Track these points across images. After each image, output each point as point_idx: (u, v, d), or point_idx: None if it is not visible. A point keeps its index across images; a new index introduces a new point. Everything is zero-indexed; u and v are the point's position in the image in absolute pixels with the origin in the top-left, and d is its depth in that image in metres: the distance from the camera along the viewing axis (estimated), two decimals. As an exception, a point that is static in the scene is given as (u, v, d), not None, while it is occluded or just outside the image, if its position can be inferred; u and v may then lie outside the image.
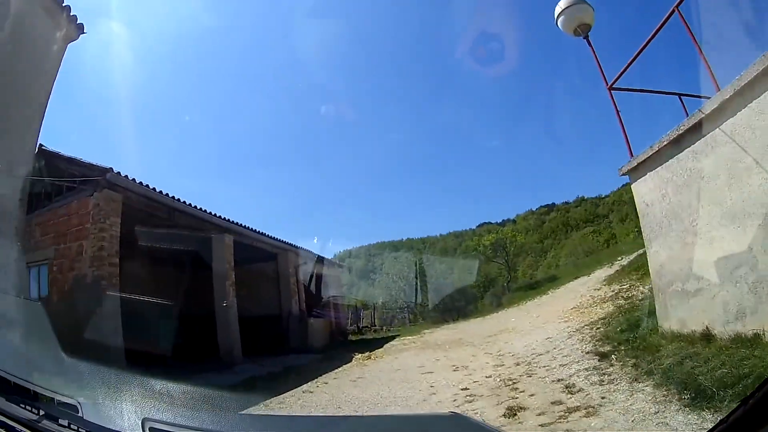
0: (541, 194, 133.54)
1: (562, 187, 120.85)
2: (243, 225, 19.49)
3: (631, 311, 12.87)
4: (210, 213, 17.44)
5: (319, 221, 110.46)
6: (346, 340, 28.62)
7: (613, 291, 18.86)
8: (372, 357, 16.96)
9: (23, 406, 2.51)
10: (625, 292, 17.42)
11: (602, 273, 26.98)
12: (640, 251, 25.69)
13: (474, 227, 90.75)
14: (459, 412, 5.75)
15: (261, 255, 21.73)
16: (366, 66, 76.98)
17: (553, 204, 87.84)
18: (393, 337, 26.01)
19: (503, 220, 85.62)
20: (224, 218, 18.28)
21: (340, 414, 8.42)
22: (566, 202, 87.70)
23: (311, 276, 26.58)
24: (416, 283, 45.95)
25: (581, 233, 66.96)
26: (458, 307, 39.07)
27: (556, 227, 79.12)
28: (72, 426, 2.40)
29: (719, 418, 1.65)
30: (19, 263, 11.09)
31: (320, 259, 27.60)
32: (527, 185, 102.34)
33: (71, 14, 12.10)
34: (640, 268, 18.96)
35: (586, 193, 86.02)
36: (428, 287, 45.40)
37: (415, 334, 26.40)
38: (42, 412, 2.47)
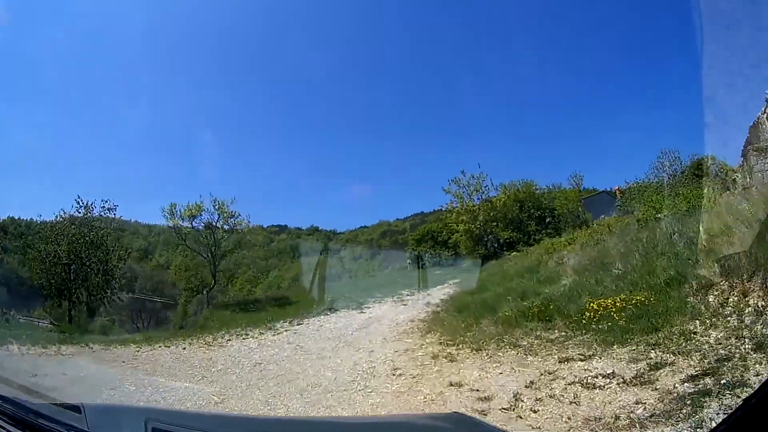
0: (274, 215, 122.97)
1: (293, 212, 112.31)
2: None
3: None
4: None
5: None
6: None
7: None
8: None
9: (25, 407, 2.36)
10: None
11: (395, 310, 16.26)
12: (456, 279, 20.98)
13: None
14: (461, 411, 5.23)
15: None
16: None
17: (286, 226, 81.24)
18: None
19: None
20: None
21: (341, 416, 7.32)
22: (299, 228, 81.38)
23: None
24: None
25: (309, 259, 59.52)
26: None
27: (283, 249, 71.09)
28: (74, 427, 2.16)
29: (721, 419, 1.67)
30: None
31: None
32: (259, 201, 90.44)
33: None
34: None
35: (321, 225, 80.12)
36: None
37: None
38: (43, 414, 2.29)
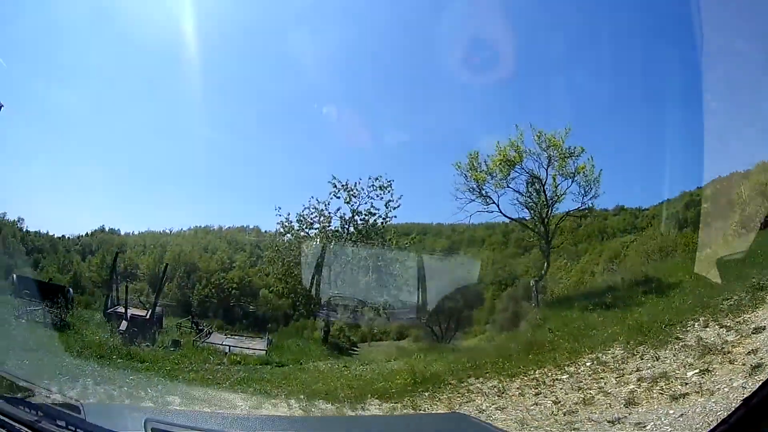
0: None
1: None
2: None
3: None
4: None
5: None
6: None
7: None
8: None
9: (25, 407, 2.31)
10: None
11: None
12: None
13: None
14: (462, 412, 5.75)
15: None
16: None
17: (592, 207, 67.85)
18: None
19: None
20: None
21: (343, 415, 7.49)
22: (605, 209, 70.01)
23: None
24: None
25: (619, 241, 53.08)
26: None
27: (591, 232, 59.26)
28: (74, 427, 2.18)
29: (721, 419, 1.62)
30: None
31: None
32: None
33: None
34: None
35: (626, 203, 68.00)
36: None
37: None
38: (44, 413, 2.26)
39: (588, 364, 9.01)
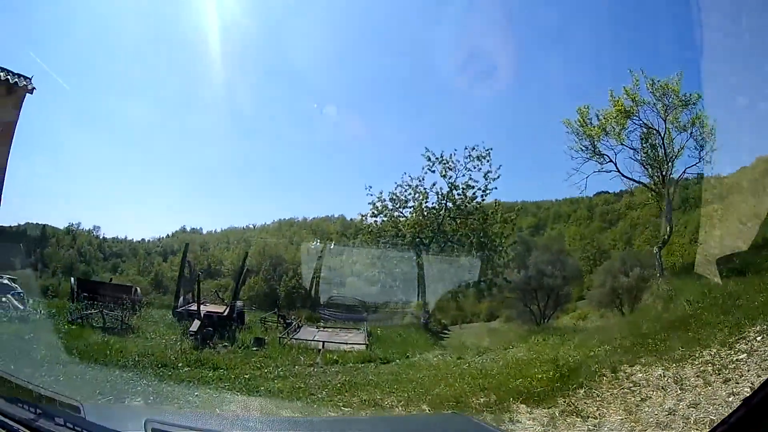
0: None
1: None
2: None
3: None
4: None
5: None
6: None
7: None
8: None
9: (25, 406, 2.27)
10: None
11: None
12: None
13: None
14: (460, 412, 5.57)
15: None
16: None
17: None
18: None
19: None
20: None
21: (342, 416, 6.95)
22: (687, 179, 68.48)
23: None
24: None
25: (703, 210, 49.71)
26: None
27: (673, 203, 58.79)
28: (73, 427, 2.16)
29: (721, 418, 1.53)
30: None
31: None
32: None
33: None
34: None
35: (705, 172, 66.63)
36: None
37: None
38: (43, 413, 2.23)
39: (759, 339, 7.79)
